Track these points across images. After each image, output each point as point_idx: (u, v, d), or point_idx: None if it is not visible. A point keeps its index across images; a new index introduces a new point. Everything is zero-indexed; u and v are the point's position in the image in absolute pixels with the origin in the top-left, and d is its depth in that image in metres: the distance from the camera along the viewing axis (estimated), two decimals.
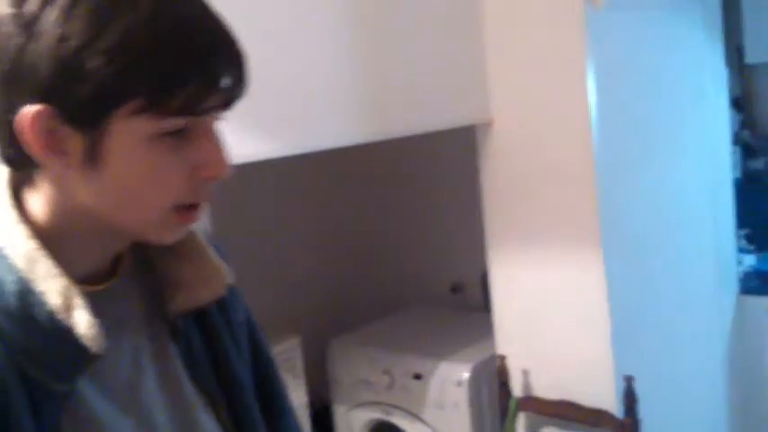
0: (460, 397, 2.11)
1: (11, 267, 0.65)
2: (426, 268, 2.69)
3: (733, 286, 2.69)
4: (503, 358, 2.05)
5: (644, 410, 1.87)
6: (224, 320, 0.84)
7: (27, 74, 0.61)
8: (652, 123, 2.18)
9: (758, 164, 2.93)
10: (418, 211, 2.68)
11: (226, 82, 0.65)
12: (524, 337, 2.05)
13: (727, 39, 2.79)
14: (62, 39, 0.60)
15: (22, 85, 0.61)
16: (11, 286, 0.64)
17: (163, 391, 0.77)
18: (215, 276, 0.79)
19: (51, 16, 0.60)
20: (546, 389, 2.01)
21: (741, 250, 2.82)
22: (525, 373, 2.05)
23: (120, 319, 0.74)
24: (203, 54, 0.63)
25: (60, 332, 0.64)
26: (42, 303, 0.64)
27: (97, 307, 0.68)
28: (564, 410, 1.95)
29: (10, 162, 0.67)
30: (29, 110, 0.61)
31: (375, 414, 2.28)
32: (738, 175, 2.88)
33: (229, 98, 0.66)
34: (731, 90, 2.86)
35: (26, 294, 0.64)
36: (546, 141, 1.95)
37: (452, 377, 2.12)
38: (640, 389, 1.87)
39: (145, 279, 0.78)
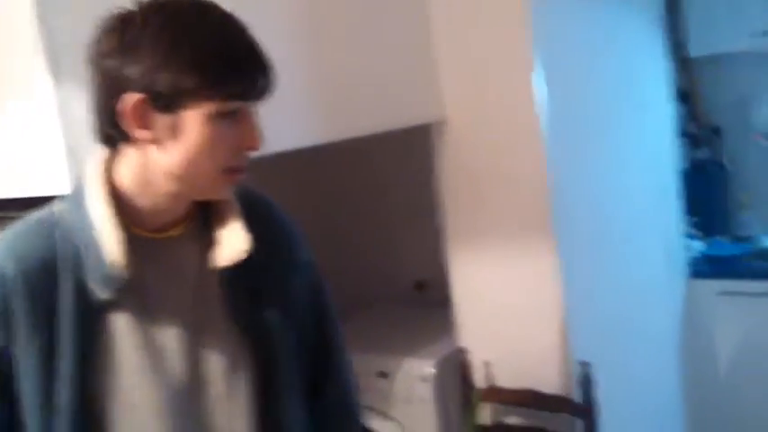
0: (427, 392, 2.16)
1: (90, 212, 0.97)
2: (390, 266, 2.73)
3: (683, 271, 2.79)
4: (465, 352, 2.10)
5: (601, 395, 1.94)
6: (275, 284, 1.10)
7: (126, 76, 0.91)
8: (599, 117, 2.26)
9: (704, 154, 3.04)
10: (380, 210, 2.72)
11: (259, 79, 0.95)
12: (485, 329, 2.11)
13: (671, 33, 2.89)
14: (152, 54, 0.90)
15: (122, 83, 0.91)
16: (87, 222, 0.97)
17: (192, 318, 1.03)
18: (237, 242, 1.03)
19: (143, 42, 0.90)
20: (508, 379, 2.07)
21: (691, 237, 2.92)
22: (487, 364, 2.10)
23: (177, 262, 1.04)
24: (243, 62, 0.94)
25: (104, 258, 0.96)
26: (100, 238, 0.96)
27: (158, 249, 1.02)
28: (525, 399, 2.01)
29: (108, 139, 0.98)
30: (131, 98, 0.91)
31: None
32: (686, 165, 2.99)
33: (261, 91, 0.96)
34: (677, 83, 2.96)
35: (91, 230, 0.97)
36: (498, 137, 2.01)
37: (418, 373, 2.16)
38: (597, 374, 1.94)
39: (204, 237, 1.05)
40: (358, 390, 1.24)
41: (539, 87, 1.92)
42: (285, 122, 1.48)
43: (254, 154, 0.99)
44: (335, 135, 1.66)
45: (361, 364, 2.23)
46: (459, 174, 2.08)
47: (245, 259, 1.02)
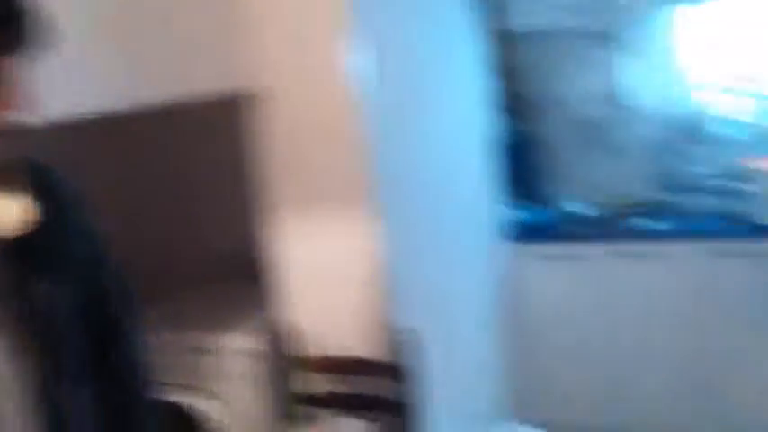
0: (249, 366, 2.12)
1: None
2: (203, 241, 2.64)
3: (506, 237, 2.91)
4: (286, 323, 2.07)
5: (426, 360, 1.97)
6: (56, 257, 1.01)
7: None
8: (419, 89, 2.29)
9: (523, 126, 3.18)
10: (189, 183, 2.62)
11: (4, 30, 0.86)
12: (309, 300, 2.08)
13: (494, 7, 2.97)
14: None
15: None
16: None
17: None
18: (18, 213, 0.95)
19: None
20: (331, 348, 2.06)
21: (516, 205, 3.05)
22: (309, 334, 2.08)
23: None
24: None
25: None
26: None
27: None
28: (350, 366, 2.01)
29: None
30: None
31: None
32: (508, 137, 3.10)
33: (10, 44, 0.88)
34: (500, 57, 3.06)
35: None
36: (318, 106, 1.97)
37: (239, 347, 2.11)
38: (422, 340, 1.96)
39: None
40: (148, 367, 1.17)
41: (358, 55, 1.90)
42: (69, 87, 1.36)
43: (20, 116, 0.90)
44: (128, 102, 1.55)
45: (179, 342, 2.17)
46: (279, 143, 2.02)
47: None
